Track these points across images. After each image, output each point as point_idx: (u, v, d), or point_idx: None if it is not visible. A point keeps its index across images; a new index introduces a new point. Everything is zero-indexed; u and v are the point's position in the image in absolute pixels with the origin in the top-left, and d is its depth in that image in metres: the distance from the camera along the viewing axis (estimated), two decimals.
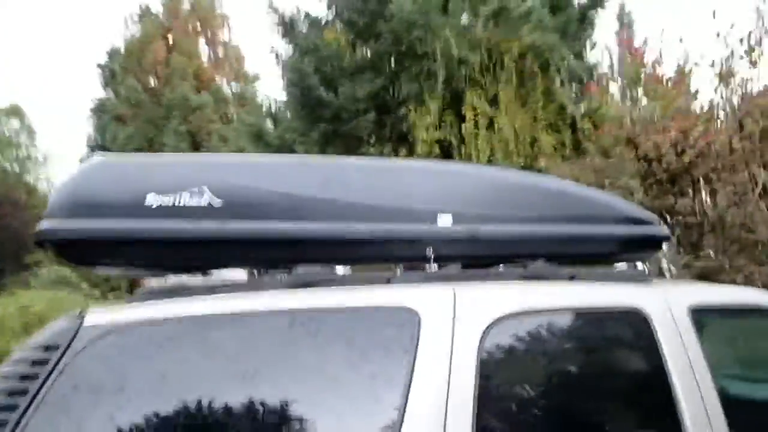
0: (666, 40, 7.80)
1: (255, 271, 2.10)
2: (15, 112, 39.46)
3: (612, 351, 2.22)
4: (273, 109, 11.74)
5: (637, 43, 7.02)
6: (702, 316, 2.24)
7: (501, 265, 2.32)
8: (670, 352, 2.08)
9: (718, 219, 5.13)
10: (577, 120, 10.88)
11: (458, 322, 1.88)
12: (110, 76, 26.26)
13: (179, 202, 1.92)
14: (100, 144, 25.69)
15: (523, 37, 9.98)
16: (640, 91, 6.37)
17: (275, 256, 2.10)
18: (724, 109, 5.28)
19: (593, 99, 6.76)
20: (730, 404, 2.12)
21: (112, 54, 26.23)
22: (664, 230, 2.66)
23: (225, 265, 2.05)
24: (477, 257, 2.33)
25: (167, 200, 1.90)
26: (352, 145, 9.90)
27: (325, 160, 2.71)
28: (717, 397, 2.08)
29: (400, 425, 1.69)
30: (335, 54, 10.12)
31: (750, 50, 5.49)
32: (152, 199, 1.89)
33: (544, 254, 2.31)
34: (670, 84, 5.76)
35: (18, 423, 1.43)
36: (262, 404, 1.68)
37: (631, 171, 5.65)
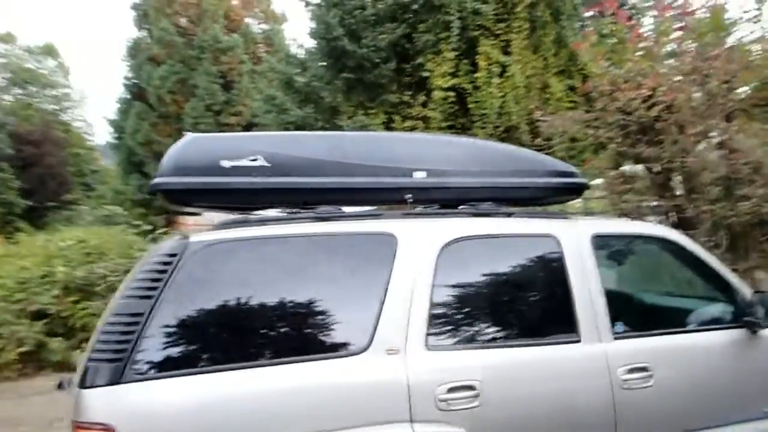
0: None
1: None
2: (49, 51, 40.42)
3: (532, 264, 3.22)
4: (300, 56, 12.60)
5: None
6: (600, 240, 3.24)
7: (460, 206, 3.32)
8: (571, 264, 3.10)
9: (680, 166, 6.01)
10: (587, 66, 11.55)
11: (423, 243, 2.91)
12: (143, 17, 26.86)
13: (241, 164, 2.95)
14: (135, 83, 26.62)
15: None
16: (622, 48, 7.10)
17: (304, 199, 3.13)
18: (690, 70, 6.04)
19: (581, 53, 7.49)
20: (612, 301, 3.14)
21: None
22: (583, 180, 3.61)
23: (271, 207, 3.09)
24: (443, 201, 3.34)
25: (234, 163, 2.93)
26: (373, 93, 10.76)
27: (337, 134, 3.72)
28: (602, 295, 3.09)
29: (382, 305, 2.74)
30: (359, 5, 10.84)
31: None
32: (225, 163, 2.92)
33: (491, 198, 3.31)
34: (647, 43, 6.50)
35: (158, 297, 2.51)
36: (299, 290, 2.73)
37: (611, 122, 6.49)
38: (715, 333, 3.35)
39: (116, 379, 2.39)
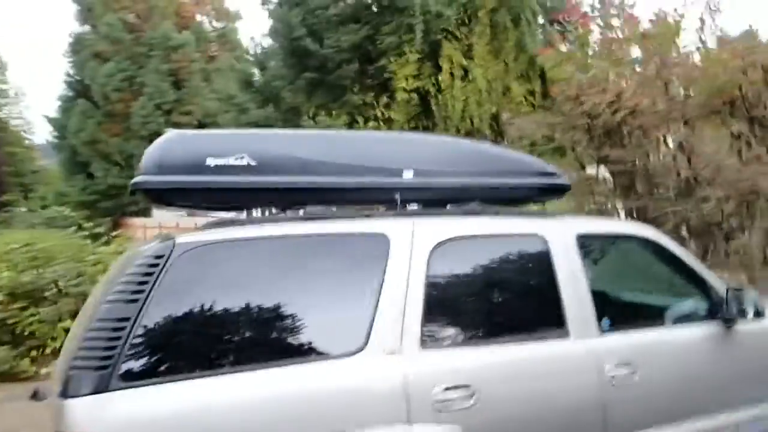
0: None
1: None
2: None
3: (520, 262, 3.21)
4: (258, 55, 12.40)
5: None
6: (585, 240, 3.25)
7: (448, 205, 3.28)
8: (558, 263, 3.09)
9: (643, 168, 6.15)
10: (546, 71, 11.76)
11: (415, 243, 2.85)
12: (87, 11, 25.88)
13: (228, 163, 2.82)
14: (78, 80, 25.72)
15: None
16: (588, 53, 7.24)
17: (292, 199, 3.03)
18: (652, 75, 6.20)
19: (547, 58, 7.61)
20: (598, 299, 3.15)
21: None
22: (566, 181, 3.63)
23: (259, 207, 2.98)
24: (431, 200, 3.30)
25: (220, 161, 2.81)
26: (336, 93, 10.68)
27: (325, 133, 3.64)
28: (589, 294, 3.10)
29: (377, 304, 2.67)
30: (321, 5, 10.75)
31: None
32: (210, 161, 2.80)
33: (478, 198, 3.28)
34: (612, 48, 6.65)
35: (147, 297, 2.38)
36: (291, 292, 2.64)
37: (577, 125, 6.60)
38: (693, 328, 3.43)
39: (102, 388, 2.24)
